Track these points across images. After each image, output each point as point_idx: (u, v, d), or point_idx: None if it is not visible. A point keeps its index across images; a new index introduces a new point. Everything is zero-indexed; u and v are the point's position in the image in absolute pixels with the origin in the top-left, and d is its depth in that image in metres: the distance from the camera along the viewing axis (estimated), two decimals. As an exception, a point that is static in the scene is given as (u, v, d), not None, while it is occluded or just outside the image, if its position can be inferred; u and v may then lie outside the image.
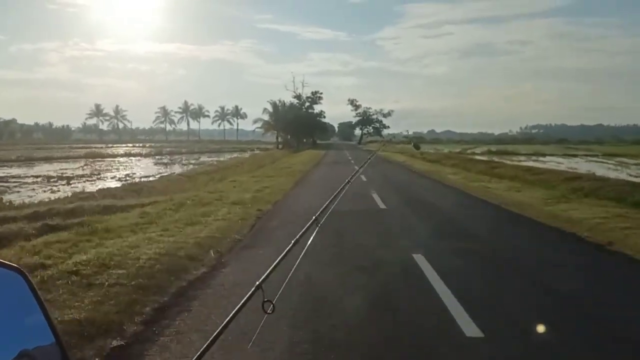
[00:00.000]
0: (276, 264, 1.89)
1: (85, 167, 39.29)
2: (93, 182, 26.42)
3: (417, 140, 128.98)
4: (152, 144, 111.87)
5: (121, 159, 53.38)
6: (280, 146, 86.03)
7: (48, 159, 48.89)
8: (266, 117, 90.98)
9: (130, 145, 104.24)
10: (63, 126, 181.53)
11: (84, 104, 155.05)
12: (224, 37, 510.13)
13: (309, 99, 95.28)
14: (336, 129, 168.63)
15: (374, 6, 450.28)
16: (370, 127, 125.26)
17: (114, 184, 23.97)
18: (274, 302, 1.70)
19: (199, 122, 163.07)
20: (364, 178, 19.91)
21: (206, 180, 22.75)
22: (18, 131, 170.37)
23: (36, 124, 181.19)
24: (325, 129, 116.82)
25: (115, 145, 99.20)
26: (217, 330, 1.50)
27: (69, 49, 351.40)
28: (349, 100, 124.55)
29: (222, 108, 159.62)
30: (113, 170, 36.56)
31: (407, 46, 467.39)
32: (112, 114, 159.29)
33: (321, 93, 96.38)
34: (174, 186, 20.08)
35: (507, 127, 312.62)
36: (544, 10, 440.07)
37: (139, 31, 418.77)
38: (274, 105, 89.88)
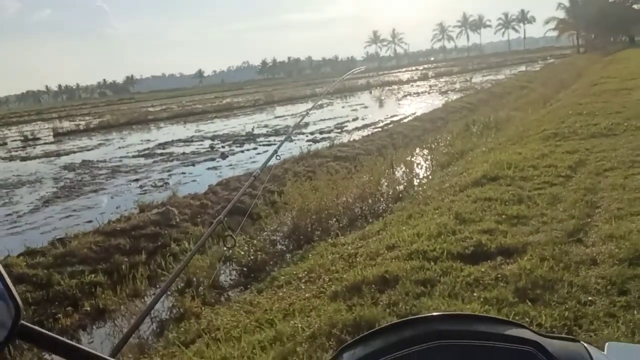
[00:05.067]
0: None
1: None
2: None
3: None
4: (427, 66, 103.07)
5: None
6: (581, 49, 66.70)
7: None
8: (561, 15, 71.46)
9: (403, 70, 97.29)
10: (348, 58, 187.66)
11: (365, 35, 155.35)
12: None
13: (624, -19, 70.83)
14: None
15: None
16: None
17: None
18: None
19: (479, 34, 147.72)
20: None
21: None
22: (308, 67, 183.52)
23: (323, 59, 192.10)
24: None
25: (379, 73, 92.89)
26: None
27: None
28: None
29: (506, 15, 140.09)
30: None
31: None
32: (390, 38, 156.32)
33: (644, -31, 70.32)
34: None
35: None
36: None
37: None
38: (572, -4, 69.44)
